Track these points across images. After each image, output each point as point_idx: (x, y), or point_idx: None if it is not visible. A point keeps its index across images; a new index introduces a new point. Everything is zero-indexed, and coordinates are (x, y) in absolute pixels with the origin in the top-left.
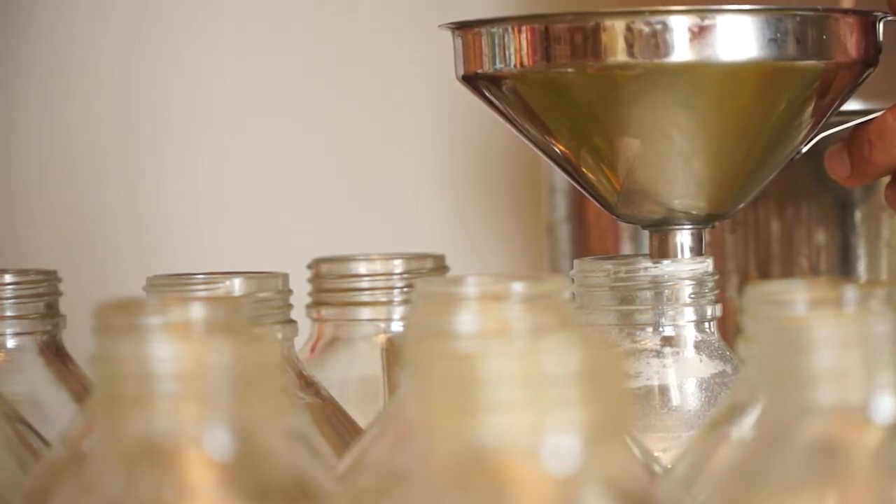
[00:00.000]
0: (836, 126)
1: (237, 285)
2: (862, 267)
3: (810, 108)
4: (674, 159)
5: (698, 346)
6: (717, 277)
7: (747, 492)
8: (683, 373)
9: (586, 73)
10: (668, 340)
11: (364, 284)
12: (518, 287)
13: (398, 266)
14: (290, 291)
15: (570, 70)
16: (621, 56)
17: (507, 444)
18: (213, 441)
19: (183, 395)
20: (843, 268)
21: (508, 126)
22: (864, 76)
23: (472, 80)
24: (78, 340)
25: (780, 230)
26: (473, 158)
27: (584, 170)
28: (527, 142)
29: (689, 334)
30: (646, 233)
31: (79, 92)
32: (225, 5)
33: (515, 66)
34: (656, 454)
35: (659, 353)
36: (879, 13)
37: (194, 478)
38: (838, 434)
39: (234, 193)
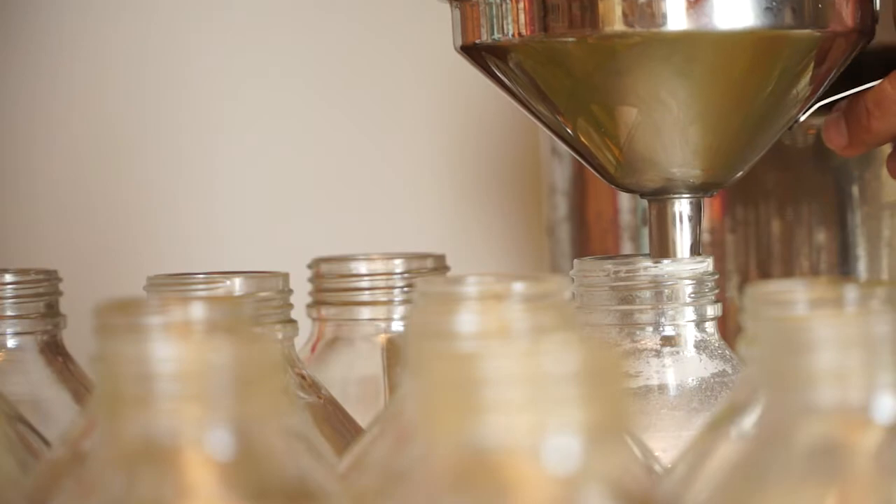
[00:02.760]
0: (832, 96)
1: (237, 285)
2: (862, 267)
3: (807, 77)
4: (672, 128)
5: (698, 346)
6: (717, 277)
7: (747, 492)
8: (683, 373)
9: (584, 43)
10: (668, 340)
11: (364, 284)
12: (518, 287)
13: (398, 266)
14: (291, 291)
15: (568, 39)
16: (619, 25)
17: (508, 444)
18: (214, 441)
19: (183, 395)
20: (843, 268)
21: (507, 97)
22: (860, 46)
23: (470, 51)
24: (78, 340)
25: (780, 230)
26: (474, 158)
27: (582, 139)
28: (525, 112)
29: (689, 334)
30: (646, 232)
31: (80, 92)
32: (227, 7)
33: (514, 35)
34: (656, 454)
35: (659, 353)
36: None
37: (195, 478)
38: (839, 434)
39: (235, 193)
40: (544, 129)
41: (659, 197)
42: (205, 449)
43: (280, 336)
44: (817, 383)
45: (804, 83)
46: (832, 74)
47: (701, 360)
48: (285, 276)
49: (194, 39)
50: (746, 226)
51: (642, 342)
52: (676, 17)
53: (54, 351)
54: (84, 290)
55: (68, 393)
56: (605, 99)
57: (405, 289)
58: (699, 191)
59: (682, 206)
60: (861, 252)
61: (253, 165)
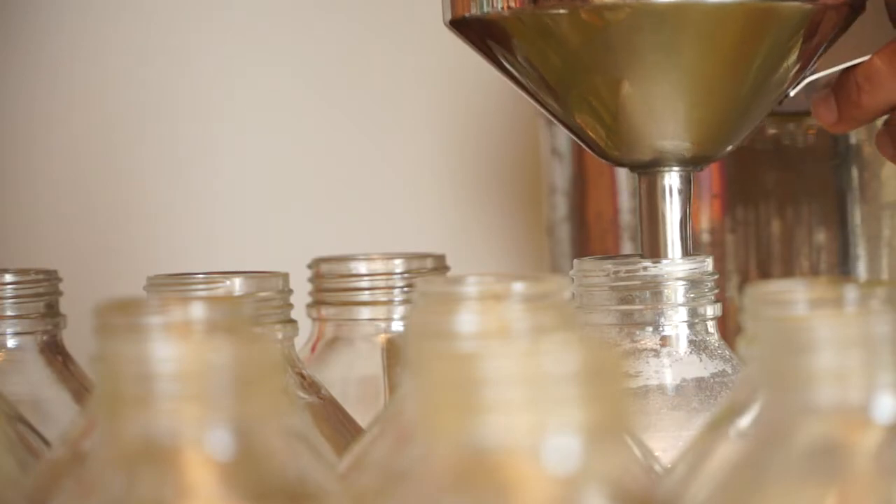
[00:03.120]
0: (823, 70)
1: (237, 285)
2: (862, 267)
3: (797, 50)
4: (662, 100)
5: (698, 346)
6: (717, 277)
7: (747, 492)
8: (683, 373)
9: (574, 15)
10: (667, 340)
11: (364, 284)
12: (518, 287)
13: (398, 266)
14: (291, 291)
15: (557, 11)
16: None
17: (508, 444)
18: (214, 441)
19: (183, 395)
20: (843, 268)
21: (497, 71)
22: (851, 20)
23: (459, 25)
24: (78, 340)
25: (780, 230)
26: (474, 159)
27: (573, 112)
28: (514, 86)
29: (689, 334)
30: None
31: (80, 93)
32: (227, 7)
33: (503, 8)
34: (656, 454)
35: (658, 353)
36: None
37: (195, 478)
38: (838, 434)
39: (235, 193)
40: (534, 102)
41: (649, 170)
42: (205, 449)
43: (280, 336)
44: (817, 383)
45: (795, 56)
46: (823, 48)
47: (701, 360)
48: (285, 276)
49: (194, 39)
50: (746, 226)
51: (642, 342)
52: None
53: (54, 351)
54: (84, 290)
55: (68, 393)
56: (596, 71)
57: (405, 289)
58: (690, 164)
59: (672, 180)
60: (861, 252)
61: (253, 165)
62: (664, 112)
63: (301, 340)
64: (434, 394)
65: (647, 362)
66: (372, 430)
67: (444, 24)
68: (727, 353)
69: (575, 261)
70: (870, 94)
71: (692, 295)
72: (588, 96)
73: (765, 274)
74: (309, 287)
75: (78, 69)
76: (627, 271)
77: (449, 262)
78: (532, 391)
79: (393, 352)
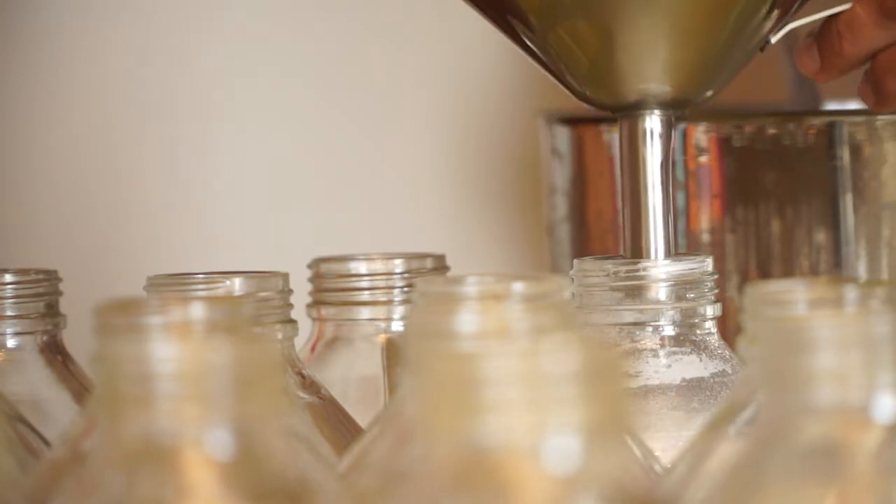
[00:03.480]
0: (806, 17)
1: (237, 285)
2: (862, 267)
3: None
4: (643, 41)
5: (698, 346)
6: (716, 277)
7: (747, 492)
8: (683, 373)
9: None
10: (667, 340)
11: (364, 284)
12: (518, 287)
13: (398, 266)
14: (291, 291)
15: None
16: None
17: (508, 444)
18: (214, 441)
19: (183, 395)
20: (843, 268)
21: (477, 12)
22: None
23: None
24: (78, 340)
25: (780, 230)
26: (474, 158)
27: (553, 52)
28: (494, 26)
29: (689, 334)
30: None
31: (80, 93)
32: (227, 7)
33: None
34: (656, 454)
35: (658, 353)
36: None
37: (195, 478)
38: (838, 434)
39: (235, 193)
40: (515, 44)
41: (629, 113)
42: (205, 449)
43: (280, 336)
44: (817, 383)
45: (776, 1)
46: None
47: (701, 360)
48: (285, 276)
49: (194, 39)
50: (746, 226)
51: (642, 342)
52: None
53: (54, 351)
54: (84, 290)
55: (68, 393)
56: (576, 10)
57: (405, 289)
58: (671, 107)
59: (652, 123)
60: (861, 252)
61: (253, 165)
62: (645, 53)
63: (301, 340)
64: (434, 394)
65: (647, 362)
66: (372, 430)
67: None
68: (727, 353)
69: (575, 261)
70: (851, 42)
71: (692, 295)
72: (570, 37)
73: (765, 274)
74: (309, 287)
75: (78, 69)
76: (627, 271)
77: (449, 262)
78: (532, 391)
79: (393, 352)
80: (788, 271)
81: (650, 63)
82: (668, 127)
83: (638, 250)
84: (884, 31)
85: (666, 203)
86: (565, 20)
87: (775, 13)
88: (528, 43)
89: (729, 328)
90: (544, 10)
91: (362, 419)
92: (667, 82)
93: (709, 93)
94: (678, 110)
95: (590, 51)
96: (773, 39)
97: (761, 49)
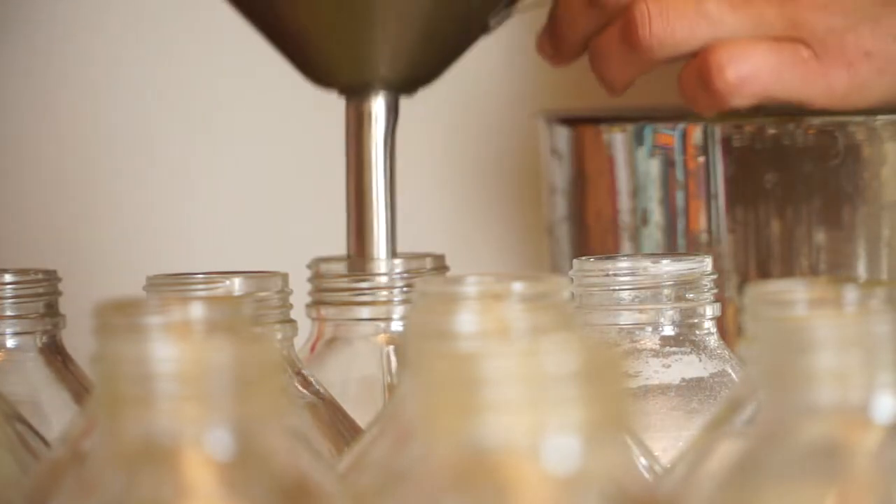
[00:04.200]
0: (526, 4)
1: (237, 285)
2: (862, 267)
3: None
4: (366, 23)
5: (697, 346)
6: (716, 277)
7: (747, 492)
8: (683, 373)
9: None
10: (667, 340)
11: (364, 284)
12: (518, 287)
13: (398, 266)
14: (290, 291)
15: None
16: None
17: (508, 444)
18: (214, 441)
19: (183, 396)
20: (843, 268)
21: None
22: None
23: None
24: (78, 340)
25: (779, 230)
26: (473, 158)
27: (285, 36)
28: (234, 8)
29: (689, 334)
30: (646, 233)
31: (78, 92)
32: (228, 6)
33: None
34: (656, 454)
35: (658, 353)
36: None
37: (194, 478)
38: (838, 434)
39: (234, 193)
40: (254, 27)
41: (356, 95)
42: (205, 449)
43: (280, 336)
44: (817, 383)
45: None
46: None
47: (700, 360)
48: (285, 276)
49: (194, 38)
50: (746, 226)
51: (642, 342)
52: None
53: (54, 351)
54: (84, 290)
55: (68, 393)
56: None
57: (405, 289)
58: (395, 89)
59: (378, 105)
60: (861, 252)
61: (253, 165)
62: (369, 35)
63: (301, 340)
64: (434, 394)
65: (647, 362)
66: (372, 430)
67: None
68: (727, 353)
69: (575, 261)
70: (569, 26)
71: (691, 295)
72: (299, 19)
73: (765, 274)
74: (309, 287)
75: (78, 69)
76: (627, 271)
77: (449, 262)
78: (532, 391)
79: (402, 353)
80: (788, 271)
81: (374, 45)
82: (392, 109)
83: (362, 230)
84: (591, 16)
85: (387, 180)
86: (296, 9)
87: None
88: (264, 27)
89: (729, 328)
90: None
91: (362, 419)
92: (390, 64)
93: (433, 74)
94: (404, 92)
95: (316, 33)
96: (494, 23)
97: (484, 32)
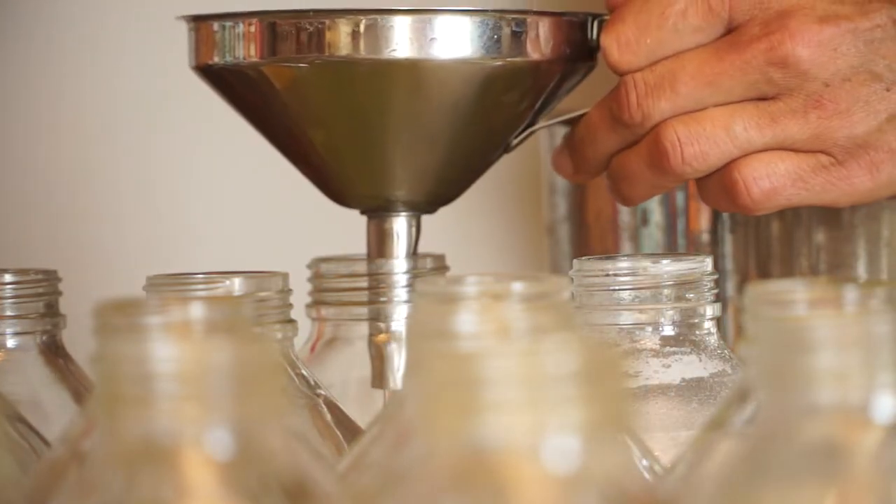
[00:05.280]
0: (548, 122)
1: (237, 285)
2: (862, 267)
3: (516, 103)
4: (386, 151)
5: (697, 346)
6: (716, 277)
7: (747, 492)
8: (683, 372)
9: (313, 67)
10: (667, 340)
11: (364, 284)
12: (518, 287)
13: (398, 266)
14: (290, 291)
15: (290, 64)
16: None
17: (508, 444)
18: (213, 441)
19: (183, 396)
20: (843, 268)
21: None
22: (576, 73)
23: (205, 72)
24: (78, 340)
25: (780, 230)
26: None
27: (305, 156)
28: (258, 131)
29: (689, 334)
30: (646, 232)
31: (78, 92)
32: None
33: (244, 57)
34: (656, 454)
35: (658, 353)
36: (590, 14)
37: (194, 478)
38: (838, 434)
39: (234, 193)
40: (277, 148)
41: (377, 214)
42: (204, 449)
43: (280, 336)
44: (817, 383)
45: (515, 109)
46: (541, 100)
47: (700, 360)
48: (285, 276)
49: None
50: (746, 226)
51: (642, 342)
52: (364, 46)
53: (54, 351)
54: (84, 290)
55: (68, 393)
56: (327, 123)
57: (405, 289)
58: (416, 210)
59: (399, 225)
60: (861, 252)
61: (253, 165)
62: (389, 162)
63: (301, 340)
64: (434, 394)
65: (647, 362)
66: (372, 430)
67: (191, 68)
68: (727, 353)
69: (575, 261)
70: (591, 145)
71: (691, 295)
72: (322, 148)
73: (764, 274)
74: (309, 287)
75: (78, 70)
76: (627, 271)
77: (449, 262)
78: (532, 391)
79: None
80: (788, 271)
81: (393, 171)
82: (412, 229)
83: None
84: (615, 135)
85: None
86: (318, 133)
87: (515, 121)
88: (285, 149)
89: (729, 328)
90: (301, 125)
91: (362, 419)
92: (411, 187)
93: (455, 194)
94: (425, 212)
95: (336, 157)
96: (515, 143)
97: (506, 151)
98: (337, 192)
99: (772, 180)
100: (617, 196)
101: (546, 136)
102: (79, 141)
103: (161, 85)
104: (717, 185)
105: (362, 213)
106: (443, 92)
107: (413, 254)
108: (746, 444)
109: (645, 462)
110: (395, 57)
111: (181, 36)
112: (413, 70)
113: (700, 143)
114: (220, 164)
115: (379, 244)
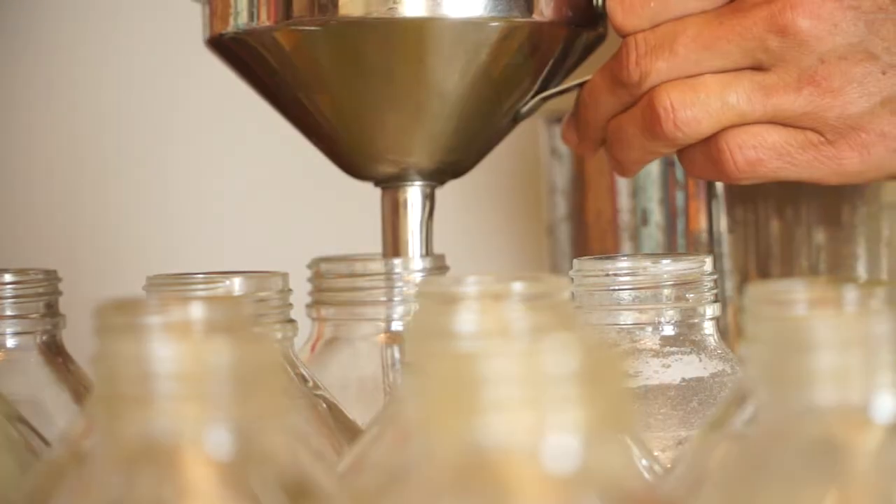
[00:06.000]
0: (555, 90)
1: (237, 285)
2: (862, 267)
3: (522, 65)
4: (396, 116)
5: (697, 346)
6: (716, 277)
7: (747, 491)
8: (683, 372)
9: (325, 29)
10: (667, 340)
11: (364, 284)
12: (518, 287)
13: (398, 266)
14: (290, 291)
15: (303, 27)
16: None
17: (508, 444)
18: (213, 441)
19: (183, 395)
20: (843, 268)
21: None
22: (584, 40)
23: (216, 44)
24: (78, 340)
25: (780, 230)
26: None
27: (319, 130)
28: (269, 103)
29: (689, 334)
30: (646, 232)
31: (79, 93)
32: None
33: (258, 23)
34: (656, 454)
35: (658, 353)
36: None
37: (194, 478)
38: (838, 434)
39: (234, 193)
40: (290, 122)
41: (390, 184)
42: (204, 449)
43: (280, 336)
44: (817, 383)
45: (520, 73)
46: (549, 65)
47: (700, 360)
48: (285, 276)
49: (197, 39)
50: (746, 226)
51: (642, 342)
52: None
53: (54, 351)
54: (84, 290)
55: (68, 393)
56: (339, 93)
57: (405, 289)
58: (428, 179)
59: (413, 193)
60: (861, 252)
61: (253, 165)
62: (400, 126)
63: (301, 340)
64: (434, 394)
65: (647, 362)
66: (372, 430)
67: (204, 44)
68: (727, 353)
69: (575, 261)
70: (593, 109)
71: (691, 295)
72: (335, 117)
73: (764, 274)
74: (309, 287)
75: (77, 71)
76: (627, 271)
77: (449, 262)
78: (532, 391)
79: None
80: (788, 271)
81: (407, 141)
82: (427, 197)
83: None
84: (614, 98)
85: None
86: (331, 104)
87: (524, 88)
88: (299, 123)
89: (729, 328)
90: (313, 96)
91: (362, 419)
92: (424, 158)
93: (468, 165)
94: (438, 182)
95: (349, 129)
96: (524, 111)
97: (515, 121)
98: (349, 165)
99: (758, 151)
100: (613, 163)
101: (546, 136)
102: (79, 142)
103: (162, 87)
104: (704, 153)
105: (376, 184)
106: (452, 52)
107: (426, 223)
108: (746, 444)
109: (645, 462)
110: (403, 16)
111: (183, 36)
112: (420, 29)
113: (693, 109)
114: (220, 165)
115: (393, 215)
